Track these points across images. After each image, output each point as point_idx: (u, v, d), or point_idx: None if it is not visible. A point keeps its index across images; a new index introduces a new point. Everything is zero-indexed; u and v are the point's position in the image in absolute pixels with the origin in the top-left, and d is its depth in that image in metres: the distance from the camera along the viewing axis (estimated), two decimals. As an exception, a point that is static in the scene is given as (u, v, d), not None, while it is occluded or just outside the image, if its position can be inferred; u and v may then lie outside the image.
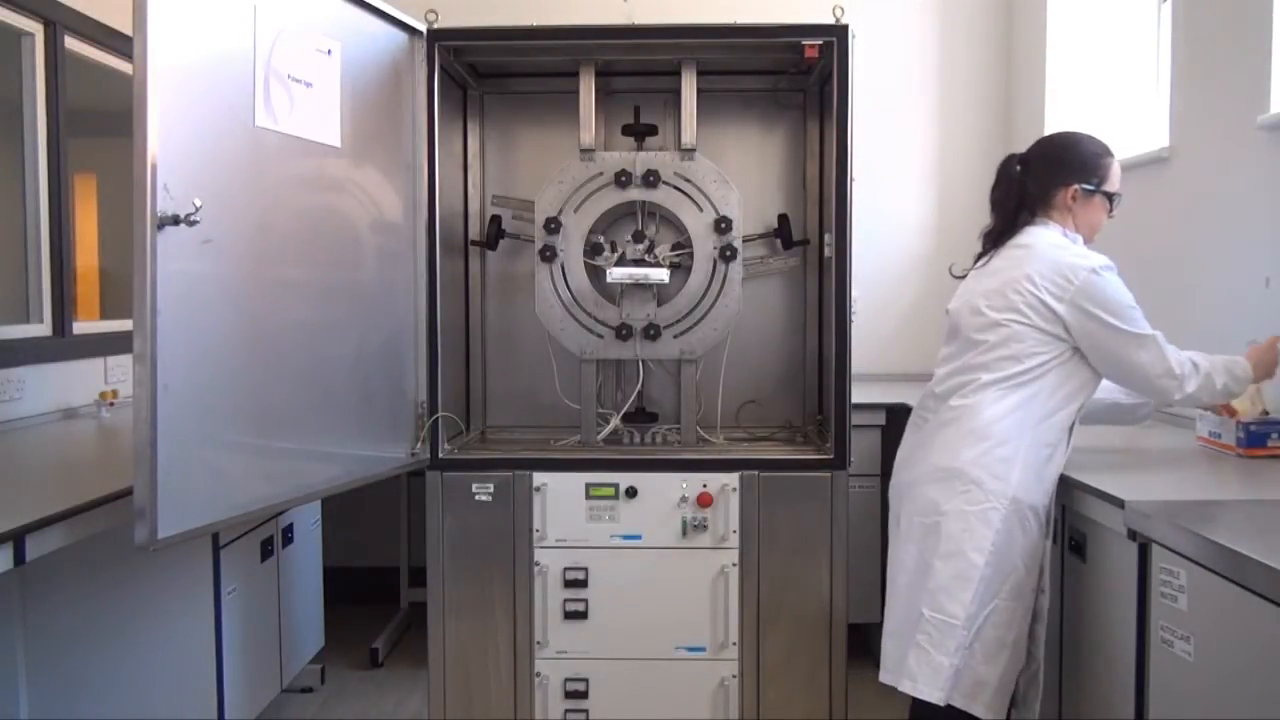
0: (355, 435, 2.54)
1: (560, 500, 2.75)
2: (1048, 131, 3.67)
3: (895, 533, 2.28)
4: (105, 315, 3.45)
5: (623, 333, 2.87)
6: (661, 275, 2.83)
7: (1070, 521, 2.15)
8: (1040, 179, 2.29)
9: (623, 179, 2.87)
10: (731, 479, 2.73)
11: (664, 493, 2.74)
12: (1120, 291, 2.14)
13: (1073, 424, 2.16)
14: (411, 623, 4.08)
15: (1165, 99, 2.91)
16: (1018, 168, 2.33)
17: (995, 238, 2.31)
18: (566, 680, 2.78)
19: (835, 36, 2.68)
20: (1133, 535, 1.80)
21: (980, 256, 2.32)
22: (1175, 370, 2.13)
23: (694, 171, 2.87)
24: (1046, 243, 2.21)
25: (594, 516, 2.75)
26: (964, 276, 2.33)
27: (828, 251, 2.85)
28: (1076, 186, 2.27)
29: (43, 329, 3.04)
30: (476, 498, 2.76)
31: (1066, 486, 2.10)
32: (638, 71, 3.06)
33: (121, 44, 3.26)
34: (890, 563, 2.27)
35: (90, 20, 3.21)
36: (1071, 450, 2.15)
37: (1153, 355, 2.12)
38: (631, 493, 2.74)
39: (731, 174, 2.90)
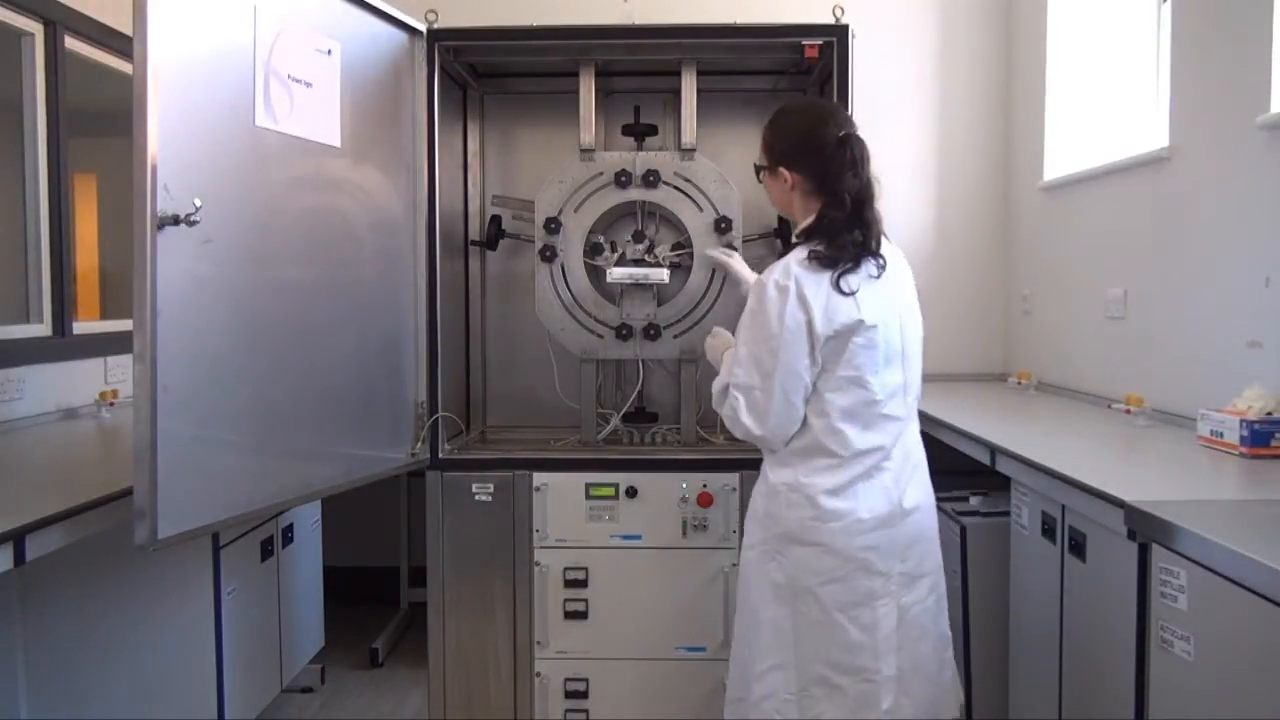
0: (355, 435, 2.54)
1: (560, 500, 2.75)
2: (1047, 131, 3.69)
3: (906, 589, 2.07)
4: (105, 315, 3.45)
5: (623, 333, 2.87)
6: (661, 275, 2.83)
7: (1070, 521, 2.14)
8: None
9: (623, 179, 2.87)
10: (732, 479, 2.73)
11: (664, 493, 2.74)
12: None
13: None
14: (411, 623, 4.08)
15: (1165, 99, 2.90)
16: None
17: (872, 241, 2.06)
18: (566, 680, 2.78)
19: (835, 36, 2.68)
20: (1133, 535, 1.79)
21: (862, 261, 2.03)
22: None
23: (694, 171, 2.87)
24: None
25: (594, 516, 2.75)
26: (855, 292, 2.00)
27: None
28: None
29: (43, 329, 3.04)
30: (476, 498, 2.76)
31: (1067, 486, 2.09)
32: (638, 71, 3.06)
33: (121, 44, 3.26)
34: (908, 623, 2.07)
35: (90, 20, 3.21)
36: (1072, 450, 2.17)
37: None
38: (631, 493, 2.74)
39: (731, 174, 2.90)
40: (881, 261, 2.04)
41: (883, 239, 2.08)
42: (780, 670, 2.06)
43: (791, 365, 1.99)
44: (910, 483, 2.08)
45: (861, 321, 1.99)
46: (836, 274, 1.99)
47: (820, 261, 1.99)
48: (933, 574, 2.13)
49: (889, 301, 2.06)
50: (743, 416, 2.05)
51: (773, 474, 2.10)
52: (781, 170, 2.10)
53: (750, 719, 2.09)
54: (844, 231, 2.01)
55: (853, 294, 1.98)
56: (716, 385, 2.17)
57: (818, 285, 1.99)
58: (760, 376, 2.02)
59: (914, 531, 2.08)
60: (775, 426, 2.04)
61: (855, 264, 2.01)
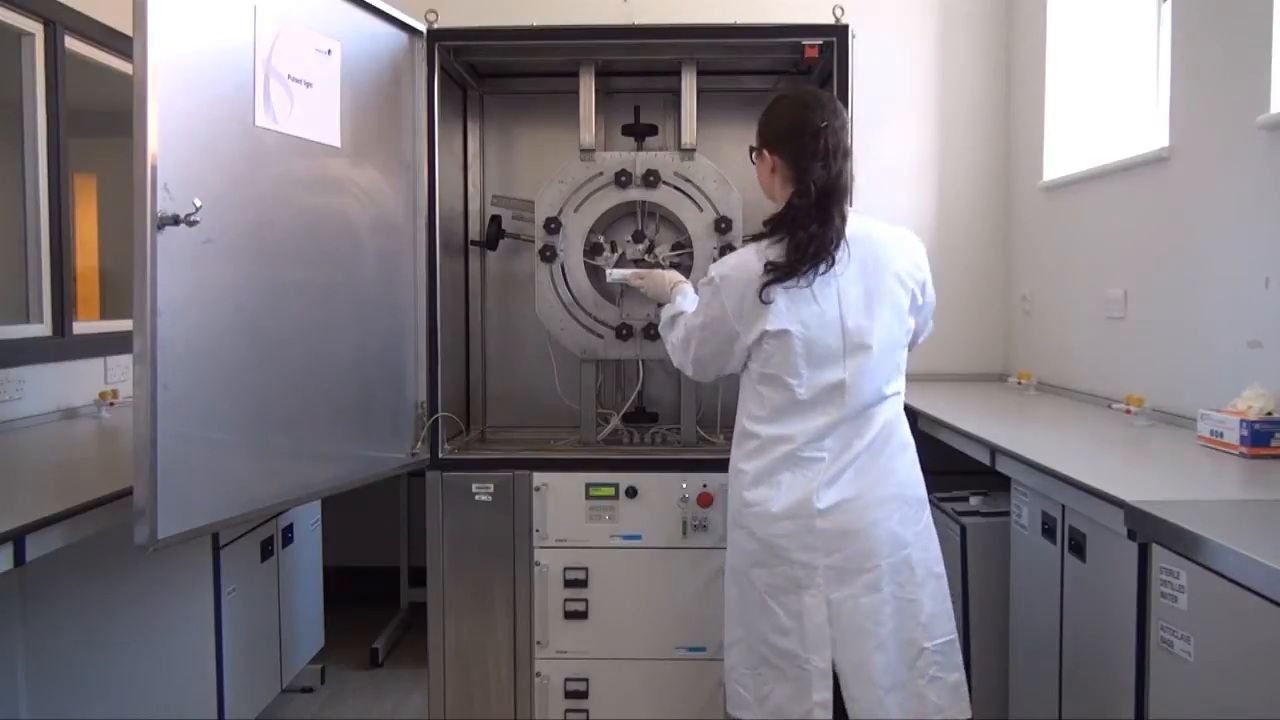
0: (355, 435, 2.54)
1: (560, 500, 2.75)
2: (1047, 132, 3.69)
3: (835, 584, 2.02)
4: (105, 315, 3.45)
5: (623, 333, 2.87)
6: (661, 275, 2.83)
7: (1070, 521, 2.14)
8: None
9: (623, 179, 2.87)
10: (731, 479, 2.72)
11: (664, 493, 2.74)
12: None
13: None
14: (411, 623, 4.08)
15: (1165, 99, 2.90)
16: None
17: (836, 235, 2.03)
18: (566, 680, 2.78)
19: (835, 36, 2.68)
20: (1133, 535, 1.79)
21: (810, 269, 2.01)
22: None
23: (694, 171, 2.87)
24: (880, 225, 2.13)
25: (594, 516, 2.75)
26: (771, 303, 2.01)
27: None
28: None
29: (43, 329, 3.04)
30: (476, 498, 2.76)
31: (1067, 486, 2.09)
32: (638, 71, 3.06)
33: (121, 44, 3.26)
34: (843, 618, 2.02)
35: (90, 20, 3.21)
36: (1072, 450, 2.16)
37: None
38: (631, 493, 2.74)
39: (731, 174, 2.90)
40: (830, 260, 2.02)
41: (843, 239, 2.04)
42: (738, 645, 2.14)
43: (715, 330, 2.13)
44: (844, 477, 2.03)
45: (766, 331, 2.02)
46: (763, 281, 2.01)
47: (776, 270, 2.01)
48: (877, 572, 2.03)
49: (830, 303, 2.03)
50: (678, 343, 2.26)
51: (731, 457, 2.19)
52: (765, 153, 2.15)
53: (727, 685, 2.18)
54: (804, 225, 2.02)
55: (769, 304, 2.02)
56: (667, 311, 2.38)
57: (744, 288, 2.05)
58: (692, 326, 2.20)
59: (841, 526, 2.01)
60: (688, 366, 2.24)
61: (792, 270, 2.00)
